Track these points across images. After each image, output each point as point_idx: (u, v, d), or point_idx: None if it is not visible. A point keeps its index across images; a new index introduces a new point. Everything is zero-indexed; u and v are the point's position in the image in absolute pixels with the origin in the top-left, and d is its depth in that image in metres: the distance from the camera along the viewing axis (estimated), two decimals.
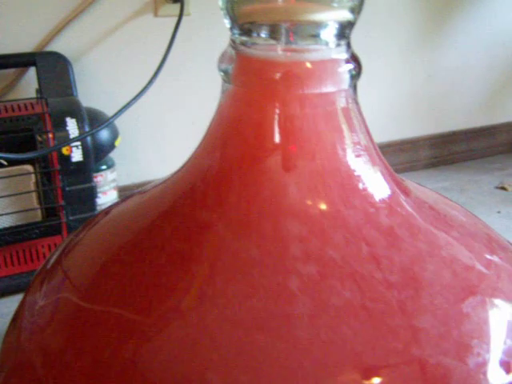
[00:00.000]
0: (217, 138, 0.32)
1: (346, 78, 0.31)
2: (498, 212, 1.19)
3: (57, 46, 0.95)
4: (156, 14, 1.02)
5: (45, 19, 0.94)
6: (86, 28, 0.97)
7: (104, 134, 0.91)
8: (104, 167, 0.94)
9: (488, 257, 0.31)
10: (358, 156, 0.31)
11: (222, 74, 0.32)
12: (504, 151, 1.52)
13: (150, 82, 0.90)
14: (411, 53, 1.31)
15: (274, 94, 0.30)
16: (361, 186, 0.30)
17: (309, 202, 0.29)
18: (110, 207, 0.38)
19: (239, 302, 0.27)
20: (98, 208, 0.91)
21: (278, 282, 0.27)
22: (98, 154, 0.90)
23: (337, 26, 0.29)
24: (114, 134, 0.94)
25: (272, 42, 0.29)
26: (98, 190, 0.92)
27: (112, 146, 0.94)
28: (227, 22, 0.31)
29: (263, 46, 0.30)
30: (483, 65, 1.41)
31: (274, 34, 0.29)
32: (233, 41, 0.31)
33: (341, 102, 0.31)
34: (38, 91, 0.91)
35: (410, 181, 0.39)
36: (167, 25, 0.98)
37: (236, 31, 0.31)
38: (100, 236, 0.35)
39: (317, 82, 0.30)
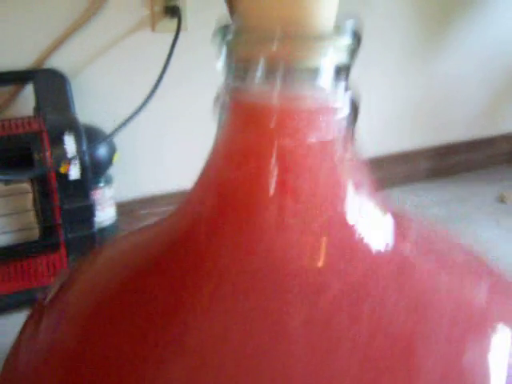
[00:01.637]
0: (211, 185, 0.32)
1: (343, 123, 0.30)
2: (498, 225, 1.19)
3: (54, 63, 0.95)
4: (153, 29, 1.02)
5: (42, 36, 0.94)
6: (84, 44, 0.97)
7: (102, 151, 0.91)
8: (102, 184, 0.94)
9: (490, 297, 0.31)
10: (356, 207, 0.30)
11: (216, 118, 0.31)
12: (504, 162, 1.52)
13: (148, 97, 0.90)
14: (409, 64, 1.30)
15: (269, 143, 0.29)
16: (359, 239, 0.29)
17: (306, 260, 0.28)
18: (105, 246, 0.38)
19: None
20: (96, 225, 0.91)
21: (274, 348, 0.26)
22: (95, 171, 0.90)
23: (333, 70, 0.29)
24: (112, 151, 0.93)
25: (267, 87, 0.29)
26: (96, 206, 0.92)
27: (110, 163, 0.93)
28: (220, 65, 0.30)
29: (258, 92, 0.29)
30: (482, 75, 1.41)
31: (268, 79, 0.28)
32: (226, 84, 0.31)
33: (338, 150, 0.30)
34: (36, 108, 0.90)
35: (408, 209, 0.38)
36: (165, 40, 0.97)
37: (230, 75, 0.30)
38: (97, 277, 0.34)
39: (313, 130, 0.29)
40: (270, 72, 0.28)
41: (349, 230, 0.30)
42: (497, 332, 0.29)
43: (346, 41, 0.29)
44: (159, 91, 0.91)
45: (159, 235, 0.33)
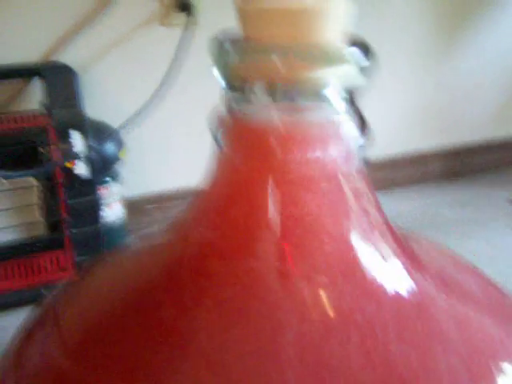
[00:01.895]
0: (205, 213, 0.29)
1: (353, 140, 0.27)
2: (510, 228, 1.17)
3: (62, 57, 0.94)
4: (163, 24, 1.00)
5: (51, 29, 0.93)
6: (93, 38, 0.96)
7: (109, 147, 0.89)
8: (108, 180, 0.93)
9: (506, 329, 0.29)
10: (366, 241, 0.27)
11: (213, 135, 0.29)
12: None
13: (157, 93, 0.89)
14: (421, 64, 1.28)
15: (271, 164, 0.26)
16: (374, 285, 0.26)
17: (314, 313, 0.25)
18: (101, 260, 0.36)
19: None
20: (102, 221, 0.90)
21: None
22: (102, 167, 0.89)
23: (343, 91, 0.26)
24: (120, 146, 0.92)
25: (268, 100, 0.26)
26: (102, 202, 0.91)
27: (117, 159, 0.92)
28: (217, 77, 0.28)
29: (258, 105, 0.26)
30: (496, 75, 1.39)
31: (270, 91, 0.26)
32: (224, 98, 0.28)
33: (349, 180, 0.27)
34: (43, 103, 0.89)
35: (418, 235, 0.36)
36: (174, 34, 0.96)
37: (228, 88, 0.27)
38: (93, 294, 0.32)
39: (319, 148, 0.26)
40: (273, 92, 0.26)
41: (362, 275, 0.26)
42: None
43: (358, 59, 0.26)
44: (168, 87, 0.90)
45: (157, 256, 0.31)
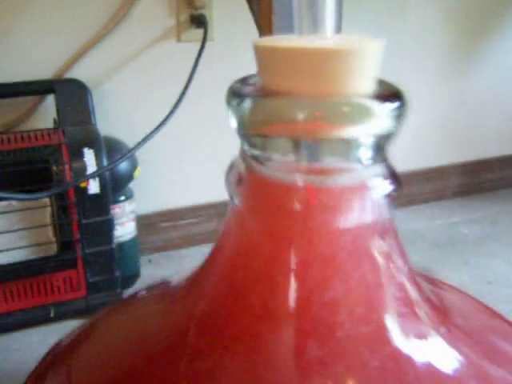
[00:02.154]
0: (220, 275, 0.25)
1: (385, 204, 0.23)
2: None
3: (76, 73, 0.93)
4: (179, 40, 0.99)
5: (64, 45, 0.92)
6: (107, 54, 0.95)
7: (123, 166, 0.88)
8: (122, 198, 0.91)
9: None
10: (399, 315, 0.23)
11: (230, 192, 0.25)
12: None
13: (172, 110, 0.87)
14: (440, 77, 1.26)
15: (292, 230, 0.23)
16: (409, 367, 0.23)
17: None
18: (115, 310, 0.34)
19: None
20: (116, 240, 0.89)
21: None
22: (115, 186, 0.87)
23: (373, 142, 0.23)
24: (133, 165, 0.91)
25: (290, 158, 0.23)
26: (116, 221, 0.90)
27: (131, 177, 0.91)
28: (235, 130, 0.24)
29: (279, 164, 0.23)
30: None
31: (293, 149, 0.22)
32: (243, 151, 0.25)
33: (377, 239, 0.23)
34: (56, 120, 0.88)
35: (448, 287, 0.32)
36: (190, 50, 0.95)
37: (246, 142, 0.24)
38: (106, 351, 0.30)
39: (347, 214, 0.22)
40: (296, 144, 0.22)
41: (395, 358, 0.23)
42: None
43: (388, 107, 0.23)
44: (183, 104, 0.88)
45: (169, 318, 0.28)
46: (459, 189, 1.37)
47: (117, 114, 0.98)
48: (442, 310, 0.26)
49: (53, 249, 0.86)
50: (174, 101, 0.87)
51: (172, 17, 0.97)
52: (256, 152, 0.23)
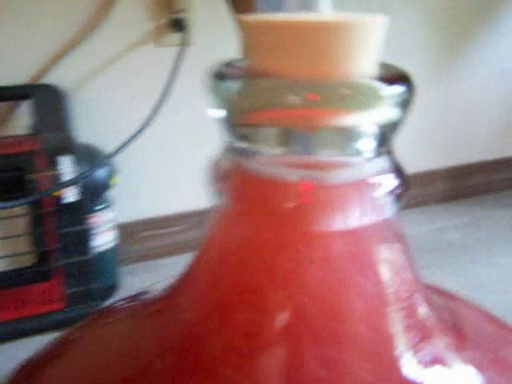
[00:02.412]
0: (200, 289, 0.22)
1: (389, 202, 0.20)
2: None
3: (53, 78, 0.90)
4: (159, 44, 0.97)
5: (40, 49, 0.89)
6: (84, 59, 0.92)
7: (100, 173, 0.85)
8: (101, 207, 0.88)
9: None
10: (404, 328, 0.20)
11: (212, 191, 0.22)
12: None
13: (151, 116, 0.85)
14: (424, 82, 1.25)
15: (283, 233, 0.20)
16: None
17: None
18: (80, 328, 0.31)
19: None
20: (94, 250, 0.86)
21: None
22: (93, 194, 0.85)
23: (376, 131, 0.19)
24: (112, 173, 0.88)
25: (282, 151, 0.19)
26: (94, 231, 0.87)
27: (109, 185, 0.88)
28: (216, 120, 0.21)
29: (270, 158, 0.20)
30: (501, 93, 1.35)
31: (285, 140, 0.19)
32: (228, 146, 0.22)
33: (381, 242, 0.20)
34: (31, 126, 0.85)
35: (458, 298, 0.29)
36: (170, 55, 0.92)
37: (232, 135, 0.21)
38: (79, 370, 0.27)
39: (347, 214, 0.19)
40: (289, 134, 0.19)
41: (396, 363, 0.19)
42: None
43: (396, 90, 0.20)
44: (163, 109, 0.86)
45: (144, 334, 0.25)
46: (444, 194, 1.36)
47: (95, 121, 0.95)
48: (458, 330, 0.23)
49: (29, 260, 0.83)
50: (153, 107, 0.85)
51: (151, 20, 0.95)
52: (243, 145, 0.20)
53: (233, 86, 0.19)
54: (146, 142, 0.96)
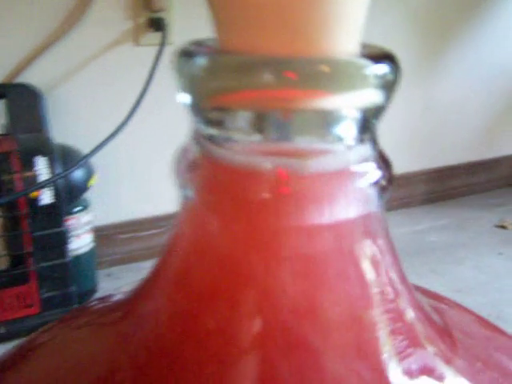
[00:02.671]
0: (165, 292, 0.20)
1: (373, 194, 0.18)
2: (500, 253, 1.12)
3: (28, 77, 0.88)
4: (137, 43, 0.95)
5: (15, 47, 0.87)
6: (61, 58, 0.90)
7: (77, 174, 0.83)
8: (78, 209, 0.86)
9: None
10: (390, 332, 0.19)
11: (180, 183, 0.20)
12: (504, 185, 1.46)
13: (130, 116, 0.83)
14: (406, 86, 1.24)
15: (258, 228, 0.18)
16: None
17: None
18: (41, 334, 0.29)
19: None
20: (71, 254, 0.84)
21: None
22: (70, 196, 0.83)
23: (359, 115, 0.18)
24: (89, 173, 0.86)
25: (255, 137, 0.17)
26: (71, 234, 0.85)
27: (86, 187, 0.86)
28: (185, 105, 0.19)
29: (242, 145, 0.18)
30: (481, 97, 1.36)
31: (257, 125, 0.17)
32: (197, 133, 0.19)
33: (365, 238, 0.19)
34: (6, 126, 0.83)
35: (450, 302, 0.28)
36: (148, 54, 0.91)
37: (200, 120, 0.19)
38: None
39: (327, 207, 0.18)
40: (263, 118, 0.17)
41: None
42: None
43: (384, 79, 0.18)
44: (141, 109, 0.84)
45: (100, 345, 0.23)
46: (426, 196, 1.35)
47: (72, 121, 0.93)
48: (447, 332, 0.22)
49: (3, 263, 0.81)
50: (132, 107, 0.83)
51: (129, 19, 0.94)
52: (212, 131, 0.18)
53: (199, 64, 0.18)
54: (124, 143, 0.94)
